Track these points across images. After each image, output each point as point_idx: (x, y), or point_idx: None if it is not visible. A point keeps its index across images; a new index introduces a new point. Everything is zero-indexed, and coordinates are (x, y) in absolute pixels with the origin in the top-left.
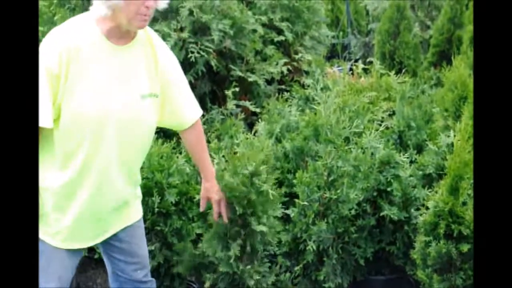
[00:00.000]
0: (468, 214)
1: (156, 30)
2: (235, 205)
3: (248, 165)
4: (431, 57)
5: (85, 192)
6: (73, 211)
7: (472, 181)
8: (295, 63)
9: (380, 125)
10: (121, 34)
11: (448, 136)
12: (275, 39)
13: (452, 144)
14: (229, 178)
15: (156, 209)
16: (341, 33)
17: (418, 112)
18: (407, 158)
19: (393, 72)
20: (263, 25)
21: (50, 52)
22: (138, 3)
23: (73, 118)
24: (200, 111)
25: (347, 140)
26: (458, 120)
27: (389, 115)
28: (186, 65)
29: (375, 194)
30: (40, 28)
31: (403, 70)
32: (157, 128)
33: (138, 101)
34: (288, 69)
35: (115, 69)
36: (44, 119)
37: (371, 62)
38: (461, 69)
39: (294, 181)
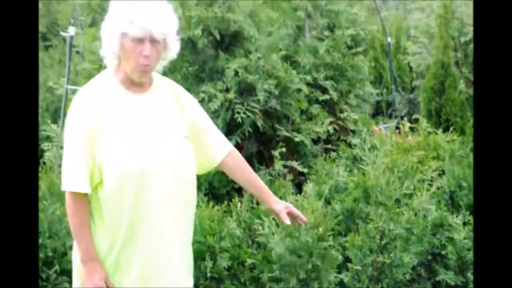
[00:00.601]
0: None
1: (202, 91)
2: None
3: (300, 228)
4: None
5: (139, 252)
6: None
7: None
8: (340, 122)
9: (431, 185)
10: (137, 84)
11: None
12: (320, 98)
13: None
14: (280, 241)
15: (209, 274)
16: (384, 90)
17: (468, 172)
18: (460, 220)
19: (441, 130)
20: (308, 84)
21: (79, 114)
22: (135, 52)
23: (117, 174)
24: (230, 144)
25: (397, 201)
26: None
27: (439, 174)
28: (233, 126)
29: (429, 257)
30: None
31: (451, 128)
32: (207, 190)
33: (172, 143)
34: (334, 128)
35: (142, 117)
36: (81, 184)
37: (416, 120)
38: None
39: (346, 244)
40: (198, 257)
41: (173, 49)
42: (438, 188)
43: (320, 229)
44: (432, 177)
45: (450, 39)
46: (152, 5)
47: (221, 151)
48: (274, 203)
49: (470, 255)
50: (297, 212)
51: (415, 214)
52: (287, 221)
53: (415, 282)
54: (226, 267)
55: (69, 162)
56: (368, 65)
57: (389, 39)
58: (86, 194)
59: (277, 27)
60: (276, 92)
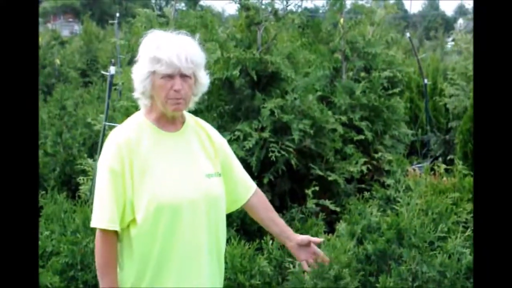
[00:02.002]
0: None
1: (237, 129)
2: None
3: (331, 268)
4: None
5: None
6: None
7: None
8: (374, 162)
9: (465, 227)
10: (169, 121)
11: None
12: (355, 138)
13: None
14: (311, 280)
15: None
16: (420, 130)
17: None
18: None
19: None
20: (343, 124)
21: (111, 152)
22: (166, 88)
23: (148, 211)
24: (254, 184)
25: (431, 243)
26: None
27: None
28: (267, 164)
29: None
30: None
31: None
32: (238, 226)
33: (206, 180)
34: (368, 168)
35: (175, 155)
36: (110, 221)
37: (452, 161)
38: None
39: (377, 285)
40: None
41: (203, 83)
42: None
43: (346, 270)
44: (466, 219)
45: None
46: (178, 41)
47: (247, 191)
48: (296, 241)
49: None
50: (318, 250)
51: (449, 257)
52: (308, 269)
53: None
54: None
55: (100, 199)
56: (404, 106)
57: (425, 80)
58: (115, 232)
59: (314, 68)
60: (311, 131)
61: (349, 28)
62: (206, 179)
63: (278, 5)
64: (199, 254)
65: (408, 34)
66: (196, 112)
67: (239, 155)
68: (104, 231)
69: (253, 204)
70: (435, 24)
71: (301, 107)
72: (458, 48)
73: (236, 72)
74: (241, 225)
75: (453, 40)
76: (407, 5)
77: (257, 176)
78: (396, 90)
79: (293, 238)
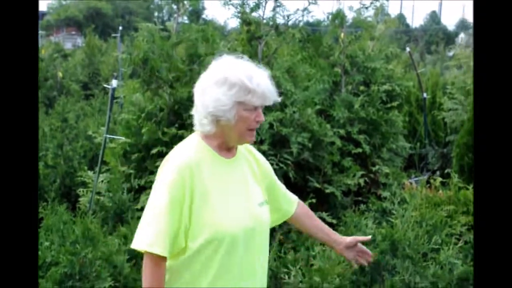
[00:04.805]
0: None
1: None
2: None
3: (325, 280)
4: None
5: None
6: None
7: None
8: (372, 175)
9: (459, 239)
10: (227, 148)
11: None
12: (353, 151)
13: None
14: None
15: None
16: (418, 144)
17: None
18: None
19: (472, 185)
20: (341, 137)
21: (173, 177)
22: (250, 119)
23: (208, 239)
24: (295, 196)
25: (424, 255)
26: None
27: (468, 229)
28: None
29: None
30: (128, 140)
31: None
32: None
33: (258, 209)
34: (365, 181)
35: (233, 182)
36: (164, 247)
37: (448, 174)
38: None
39: None
40: None
41: None
42: (466, 243)
43: (338, 279)
44: (461, 231)
45: None
46: (264, 74)
47: (292, 205)
48: (345, 244)
49: None
50: (365, 250)
51: (441, 268)
52: (355, 265)
53: None
54: None
55: (155, 223)
56: (402, 119)
57: (424, 94)
58: (165, 258)
59: (314, 82)
60: (310, 144)
61: (349, 43)
62: (258, 207)
63: (280, 20)
64: (254, 282)
65: (408, 49)
66: (192, 125)
67: None
68: (156, 256)
69: (298, 215)
70: (436, 39)
71: (300, 120)
72: (458, 63)
73: None
74: None
75: (453, 54)
76: (409, 19)
77: None
78: (395, 103)
79: (341, 241)
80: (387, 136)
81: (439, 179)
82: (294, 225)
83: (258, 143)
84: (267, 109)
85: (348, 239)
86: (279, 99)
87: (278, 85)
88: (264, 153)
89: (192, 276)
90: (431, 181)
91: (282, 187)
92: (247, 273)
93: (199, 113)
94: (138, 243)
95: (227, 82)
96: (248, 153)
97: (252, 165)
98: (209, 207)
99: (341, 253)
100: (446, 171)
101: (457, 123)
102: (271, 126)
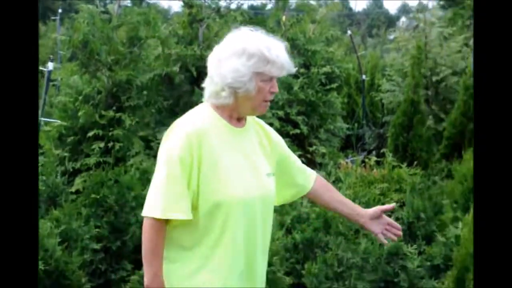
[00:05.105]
0: None
1: None
2: None
3: None
4: (443, 149)
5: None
6: None
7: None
8: (309, 155)
9: (390, 216)
10: (239, 118)
11: (457, 228)
12: (291, 132)
13: (460, 235)
14: None
15: None
16: (356, 124)
17: (428, 204)
18: (416, 249)
19: (405, 164)
20: (280, 118)
21: (181, 141)
22: (265, 90)
23: (215, 205)
24: (312, 171)
25: (357, 232)
26: (467, 212)
27: (400, 206)
28: None
29: (382, 285)
30: (64, 123)
31: (415, 162)
32: None
33: (266, 180)
34: (302, 161)
35: (242, 151)
36: (184, 211)
37: (384, 154)
38: (471, 162)
39: (303, 271)
40: None
41: None
42: (397, 219)
43: (275, 257)
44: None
45: (421, 78)
46: (282, 45)
47: (309, 179)
48: (368, 216)
49: (422, 283)
50: (392, 222)
51: (372, 243)
52: (385, 241)
53: None
54: None
55: (167, 189)
56: (341, 101)
57: (363, 76)
58: (166, 222)
59: None
60: None
61: (291, 26)
62: (266, 178)
63: (222, 3)
64: (255, 253)
65: (349, 32)
66: (134, 108)
67: None
68: (156, 220)
69: (316, 190)
70: (378, 22)
71: None
72: (397, 46)
73: (176, 68)
74: None
75: (394, 38)
76: (352, 3)
77: None
78: (334, 85)
79: (364, 213)
80: (325, 117)
81: (374, 158)
82: (314, 201)
83: None
84: None
85: (372, 210)
86: (294, 70)
87: None
88: None
89: (194, 240)
90: (366, 160)
91: (297, 161)
92: (250, 243)
93: (216, 85)
94: (154, 210)
95: (246, 53)
96: (257, 125)
97: (261, 137)
98: (218, 174)
99: (367, 227)
100: (381, 150)
101: (394, 104)
102: None
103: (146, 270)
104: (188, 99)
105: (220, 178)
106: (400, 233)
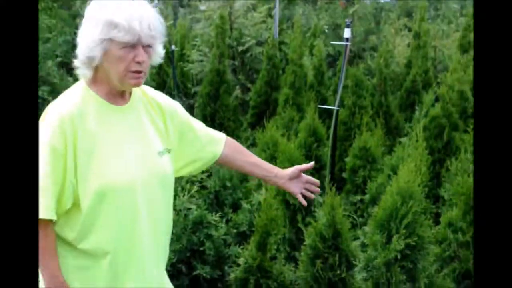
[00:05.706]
0: (276, 268)
1: None
2: None
3: None
4: (250, 119)
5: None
6: None
7: (279, 236)
8: None
9: (198, 185)
10: (118, 94)
11: (260, 194)
12: None
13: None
14: None
15: None
16: (168, 95)
17: (234, 172)
18: (222, 217)
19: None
20: None
21: (52, 128)
22: (127, 59)
23: (98, 192)
24: (223, 135)
25: None
26: None
27: (208, 176)
28: None
29: (188, 254)
30: None
31: (223, 132)
32: None
33: (157, 158)
34: None
35: (124, 131)
36: (46, 211)
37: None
38: (273, 130)
39: None
40: None
41: (160, 53)
42: (204, 188)
43: None
44: (202, 178)
45: (226, 47)
46: (139, 5)
47: (219, 143)
48: (287, 176)
49: (227, 250)
50: (310, 178)
51: (177, 215)
52: (305, 202)
53: (175, 278)
54: None
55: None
56: (151, 71)
57: (173, 47)
58: (50, 220)
59: (55, 34)
60: (50, 98)
61: None
62: (158, 157)
63: None
64: (155, 237)
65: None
66: None
67: None
68: (40, 220)
69: (227, 155)
70: None
71: (39, 73)
72: (206, 16)
73: None
74: None
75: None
76: None
77: None
78: None
79: (283, 174)
80: None
81: None
82: (227, 166)
83: None
84: None
85: (290, 170)
86: (159, 36)
87: None
88: None
89: (80, 232)
90: None
91: (201, 126)
92: (142, 230)
93: (77, 59)
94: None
95: (93, 20)
96: (146, 97)
97: (150, 111)
98: (97, 159)
99: (286, 188)
100: None
101: (202, 75)
102: None
103: (43, 273)
104: None
105: (100, 164)
106: (318, 189)
